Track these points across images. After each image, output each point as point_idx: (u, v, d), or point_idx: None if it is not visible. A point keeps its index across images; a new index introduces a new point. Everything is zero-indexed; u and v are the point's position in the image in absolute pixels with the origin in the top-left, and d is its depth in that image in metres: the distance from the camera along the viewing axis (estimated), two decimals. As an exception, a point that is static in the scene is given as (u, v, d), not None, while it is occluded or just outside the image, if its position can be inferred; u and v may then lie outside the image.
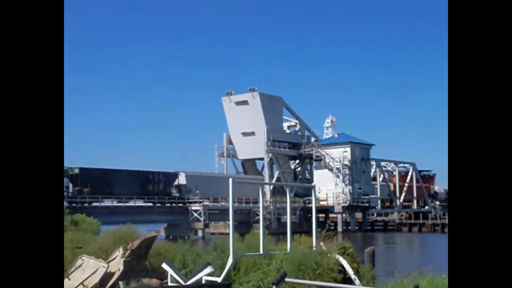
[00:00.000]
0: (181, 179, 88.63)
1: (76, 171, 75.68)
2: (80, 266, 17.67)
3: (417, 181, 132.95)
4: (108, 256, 18.55)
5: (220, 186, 73.01)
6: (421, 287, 13.02)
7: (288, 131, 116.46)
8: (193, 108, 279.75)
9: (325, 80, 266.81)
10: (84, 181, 76.49)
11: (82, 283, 16.51)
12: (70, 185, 76.55)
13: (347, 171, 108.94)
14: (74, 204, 68.95)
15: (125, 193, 79.87)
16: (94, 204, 75.72)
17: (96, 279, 16.58)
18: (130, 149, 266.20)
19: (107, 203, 77.95)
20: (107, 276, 16.78)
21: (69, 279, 17.22)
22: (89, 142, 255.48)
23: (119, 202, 79.26)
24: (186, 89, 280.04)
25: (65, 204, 61.14)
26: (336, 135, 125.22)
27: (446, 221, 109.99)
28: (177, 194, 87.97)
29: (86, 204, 72.66)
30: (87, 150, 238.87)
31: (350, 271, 16.51)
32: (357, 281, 16.27)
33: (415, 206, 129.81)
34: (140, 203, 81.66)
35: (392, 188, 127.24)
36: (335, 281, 15.43)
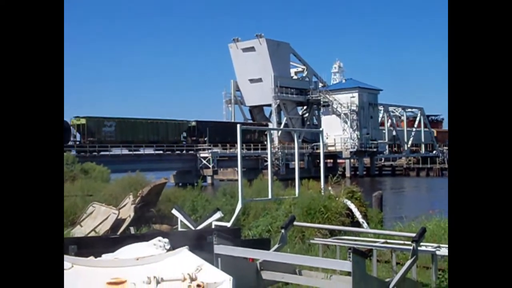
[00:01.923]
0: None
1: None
2: (91, 213, 17.90)
3: (425, 126, 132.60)
4: (119, 203, 18.77)
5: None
6: (428, 229, 13.15)
7: (295, 77, 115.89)
8: (200, 56, 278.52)
9: (332, 26, 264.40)
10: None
11: (94, 229, 16.75)
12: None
13: (354, 117, 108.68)
14: (83, 153, 69.24)
15: (136, 141, 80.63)
16: (103, 153, 75.96)
17: (107, 225, 16.81)
18: (138, 99, 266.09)
19: (116, 151, 78.20)
20: (118, 222, 17.02)
21: (81, 226, 17.47)
22: (95, 91, 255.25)
23: (129, 150, 79.80)
24: (192, 37, 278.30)
25: (74, 153, 61.38)
26: (343, 81, 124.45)
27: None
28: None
29: (95, 153, 72.71)
30: (93, 99, 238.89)
31: (358, 214, 16.66)
32: (365, 225, 16.43)
33: (423, 150, 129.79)
34: (149, 151, 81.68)
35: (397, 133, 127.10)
36: (343, 224, 15.58)
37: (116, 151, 78.79)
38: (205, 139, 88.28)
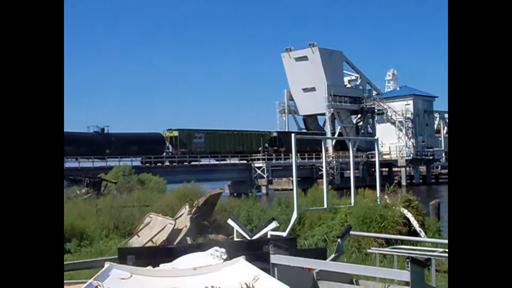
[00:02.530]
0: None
1: (175, 133, 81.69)
2: (148, 223, 18.13)
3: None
4: (175, 213, 18.96)
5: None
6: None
7: (349, 85, 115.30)
8: (253, 66, 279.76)
9: (385, 33, 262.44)
10: (183, 143, 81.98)
11: (151, 239, 16.95)
12: (170, 146, 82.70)
13: (410, 124, 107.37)
14: (174, 164, 74.51)
15: (223, 151, 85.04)
16: (193, 163, 79.98)
17: (164, 235, 17.00)
18: (194, 108, 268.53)
19: (205, 161, 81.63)
20: (175, 232, 17.18)
21: (138, 236, 17.71)
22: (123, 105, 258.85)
23: (216, 160, 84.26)
24: (246, 47, 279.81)
25: (167, 163, 70.11)
26: (398, 88, 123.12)
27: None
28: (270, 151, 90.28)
29: (148, 164, 74.42)
30: (119, 113, 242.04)
31: (415, 223, 16.43)
32: (422, 234, 16.20)
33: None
34: (204, 161, 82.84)
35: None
36: (400, 233, 15.40)
37: (204, 161, 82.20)
38: (283, 149, 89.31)
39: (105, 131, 75.50)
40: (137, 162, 72.71)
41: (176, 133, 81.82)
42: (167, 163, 75.87)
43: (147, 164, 74.14)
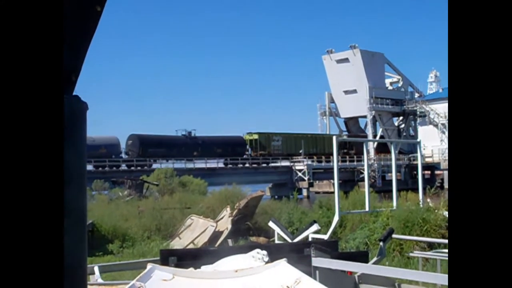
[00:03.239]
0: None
1: (255, 136, 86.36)
2: (189, 225, 18.26)
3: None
4: (216, 215, 19.06)
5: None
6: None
7: (390, 87, 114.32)
8: (295, 68, 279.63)
9: (427, 35, 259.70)
10: (263, 146, 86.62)
11: (192, 241, 17.06)
12: (249, 149, 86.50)
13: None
14: (255, 165, 78.27)
15: (298, 154, 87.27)
16: (272, 164, 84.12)
17: (205, 237, 17.09)
18: (237, 112, 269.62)
19: (212, 164, 79.93)
20: (216, 234, 17.26)
21: (180, 238, 17.84)
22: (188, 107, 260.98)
23: (290, 162, 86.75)
24: (287, 50, 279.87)
25: (247, 165, 75.79)
26: (440, 90, 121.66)
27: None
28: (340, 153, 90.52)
29: (264, 165, 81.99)
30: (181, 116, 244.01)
31: (458, 227, 16.23)
32: (466, 237, 16.00)
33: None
34: (212, 165, 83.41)
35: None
36: (443, 237, 15.23)
37: (212, 163, 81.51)
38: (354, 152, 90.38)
39: (192, 135, 79.44)
40: (220, 163, 79.68)
41: (256, 136, 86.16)
42: (247, 165, 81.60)
43: (263, 164, 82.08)
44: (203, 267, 7.67)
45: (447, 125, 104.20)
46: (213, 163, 78.27)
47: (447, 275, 7.88)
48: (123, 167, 71.22)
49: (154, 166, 69.92)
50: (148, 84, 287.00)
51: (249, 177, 71.92)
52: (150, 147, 73.57)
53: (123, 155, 73.87)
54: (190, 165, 74.18)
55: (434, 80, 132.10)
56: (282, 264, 6.88)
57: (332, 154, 76.44)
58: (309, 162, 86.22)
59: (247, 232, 18.65)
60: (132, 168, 70.47)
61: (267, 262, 7.82)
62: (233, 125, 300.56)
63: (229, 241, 15.88)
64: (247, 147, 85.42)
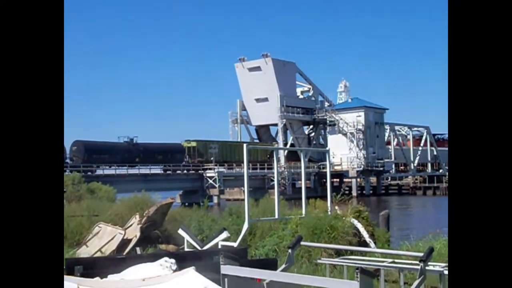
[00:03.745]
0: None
1: (193, 144, 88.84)
2: (97, 233, 17.87)
3: (431, 145, 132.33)
4: (125, 223, 18.73)
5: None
6: (436, 249, 13.07)
7: (301, 96, 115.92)
8: (207, 76, 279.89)
9: (338, 45, 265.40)
10: (200, 153, 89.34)
11: (100, 249, 16.71)
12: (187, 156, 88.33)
13: (361, 136, 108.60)
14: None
15: (233, 161, 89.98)
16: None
17: (113, 245, 16.77)
18: (144, 119, 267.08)
19: (122, 171, 79.00)
20: (124, 242, 16.97)
21: (87, 246, 17.43)
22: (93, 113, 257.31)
23: (226, 169, 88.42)
24: (199, 58, 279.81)
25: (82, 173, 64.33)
26: (349, 100, 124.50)
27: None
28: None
29: (99, 172, 76.32)
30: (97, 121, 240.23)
31: (365, 234, 16.59)
32: (372, 244, 16.36)
33: (429, 169, 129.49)
34: (155, 170, 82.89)
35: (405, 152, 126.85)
36: (350, 244, 15.51)
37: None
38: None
39: (134, 141, 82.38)
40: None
41: (194, 144, 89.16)
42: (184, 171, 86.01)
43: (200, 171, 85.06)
44: (110, 276, 7.51)
45: (355, 134, 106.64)
46: (156, 169, 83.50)
47: (353, 281, 8.01)
48: (67, 173, 70.09)
49: (98, 172, 74.84)
50: (84, 90, 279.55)
51: (159, 184, 71.42)
52: (95, 153, 76.10)
53: (68, 161, 73.93)
54: (134, 171, 79.04)
55: (344, 90, 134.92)
56: (190, 272, 6.83)
57: (265, 162, 78.22)
58: (221, 169, 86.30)
59: (156, 239, 18.42)
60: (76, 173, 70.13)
61: (175, 270, 7.73)
62: (151, 132, 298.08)
63: (138, 249, 15.65)
64: (185, 154, 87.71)
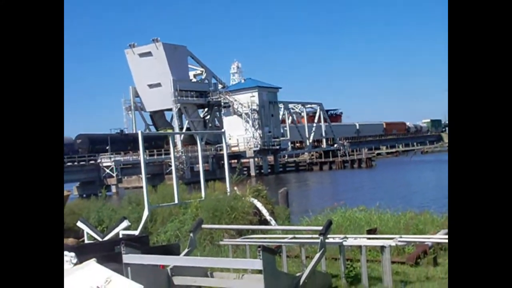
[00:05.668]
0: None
1: None
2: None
3: (325, 121, 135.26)
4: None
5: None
6: (334, 221, 13.44)
7: (194, 80, 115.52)
8: (97, 63, 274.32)
9: (229, 28, 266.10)
10: None
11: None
12: None
13: (256, 116, 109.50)
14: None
15: None
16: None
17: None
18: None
19: None
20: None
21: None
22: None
23: None
24: (88, 44, 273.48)
25: None
26: (242, 81, 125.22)
27: (355, 157, 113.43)
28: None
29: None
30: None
31: (265, 212, 16.82)
32: (272, 222, 16.61)
33: (324, 145, 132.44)
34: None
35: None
36: (251, 223, 15.70)
37: (117, 158, 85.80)
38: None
39: (124, 132, 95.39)
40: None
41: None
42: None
43: None
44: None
45: (250, 114, 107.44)
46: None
47: (256, 260, 8.13)
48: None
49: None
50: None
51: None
52: (97, 144, 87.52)
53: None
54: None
55: (237, 71, 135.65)
56: (92, 264, 6.74)
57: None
58: (117, 158, 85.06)
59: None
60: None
61: (75, 264, 7.61)
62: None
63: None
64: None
